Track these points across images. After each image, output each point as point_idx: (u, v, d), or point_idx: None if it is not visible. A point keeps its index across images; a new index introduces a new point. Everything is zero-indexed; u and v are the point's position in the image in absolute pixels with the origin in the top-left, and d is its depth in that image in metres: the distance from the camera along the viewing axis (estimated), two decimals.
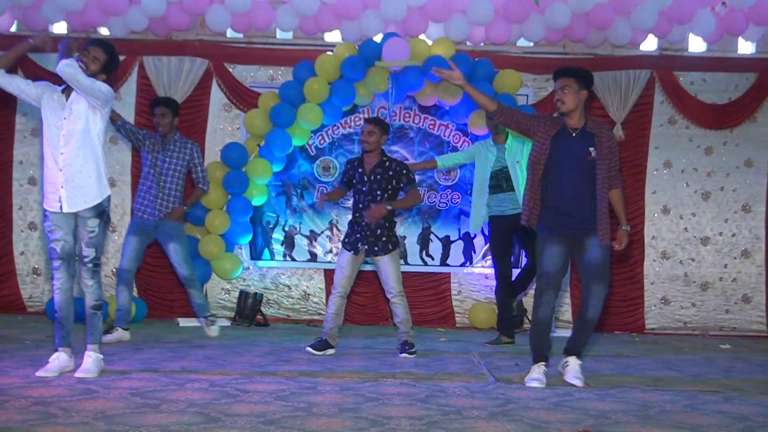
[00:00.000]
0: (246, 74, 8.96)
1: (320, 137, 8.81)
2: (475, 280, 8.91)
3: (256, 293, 8.55)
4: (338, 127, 8.81)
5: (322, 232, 8.85)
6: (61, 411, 3.86)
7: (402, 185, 6.44)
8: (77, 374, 4.90)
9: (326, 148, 8.84)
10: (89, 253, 5.05)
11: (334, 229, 8.84)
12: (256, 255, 8.88)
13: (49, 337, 6.88)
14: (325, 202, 7.42)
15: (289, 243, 8.86)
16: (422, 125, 8.86)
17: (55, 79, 8.76)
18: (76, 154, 5.04)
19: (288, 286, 8.94)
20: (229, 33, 9.01)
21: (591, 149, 5.14)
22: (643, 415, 4.20)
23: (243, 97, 8.83)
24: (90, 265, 5.06)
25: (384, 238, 6.36)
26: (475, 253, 8.86)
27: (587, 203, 5.13)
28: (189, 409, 4.01)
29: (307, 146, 8.79)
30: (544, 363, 5.24)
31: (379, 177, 6.36)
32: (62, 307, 5.11)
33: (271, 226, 8.87)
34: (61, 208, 5.03)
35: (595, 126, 5.26)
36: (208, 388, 4.62)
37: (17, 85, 5.14)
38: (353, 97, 8.36)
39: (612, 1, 8.46)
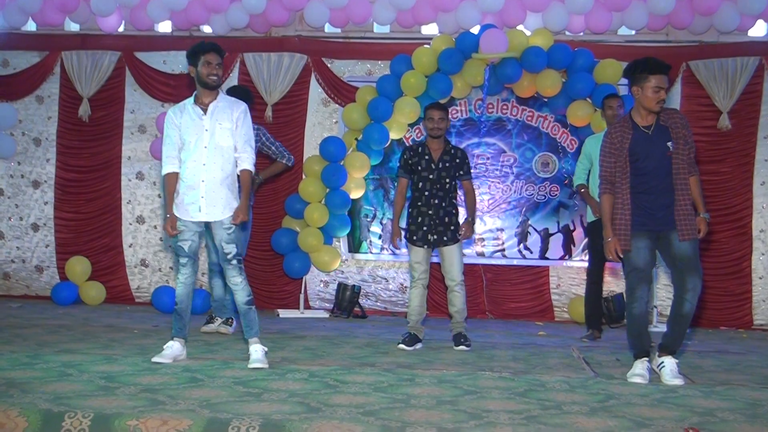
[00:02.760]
0: (344, 69, 9.05)
1: (417, 130, 8.82)
2: (574, 274, 8.77)
3: (354, 286, 8.64)
4: None
5: None
6: (168, 398, 3.98)
7: (461, 173, 6.29)
8: (251, 365, 4.98)
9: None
10: (230, 249, 5.15)
11: None
12: (354, 248, 8.96)
13: (156, 326, 7.13)
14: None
15: (386, 236, 8.91)
16: (520, 117, 8.77)
17: (164, 78, 9.04)
18: (218, 166, 5.13)
19: (385, 279, 9.00)
20: (327, 28, 9.11)
21: (669, 144, 4.96)
22: (751, 414, 4.05)
23: (341, 92, 8.92)
24: (234, 261, 5.16)
25: (452, 227, 6.24)
26: (574, 246, 8.72)
27: (670, 199, 4.98)
28: (290, 399, 4.07)
29: (404, 139, 8.81)
30: (646, 358, 5.11)
31: (447, 164, 6.23)
32: (183, 299, 5.26)
33: (369, 219, 8.94)
34: (200, 217, 5.15)
35: (667, 117, 5.04)
36: (308, 379, 4.68)
37: (179, 154, 5.21)
38: (450, 89, 8.33)
39: None
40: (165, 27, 9.32)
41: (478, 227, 8.77)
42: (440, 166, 6.22)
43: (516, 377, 4.98)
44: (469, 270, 8.85)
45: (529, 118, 8.74)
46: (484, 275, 8.84)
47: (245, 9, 8.64)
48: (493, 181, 8.78)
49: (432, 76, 8.29)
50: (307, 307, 8.73)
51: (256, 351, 5.12)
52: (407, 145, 7.33)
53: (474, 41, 8.18)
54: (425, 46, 8.44)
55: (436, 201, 6.22)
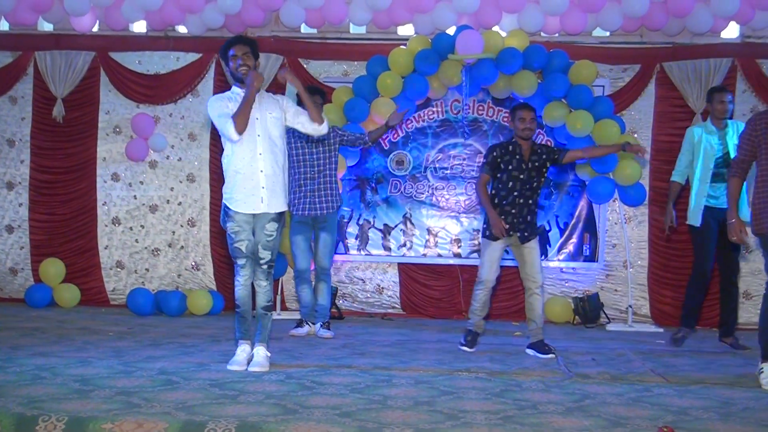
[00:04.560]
0: (320, 69, 9.04)
1: (394, 131, 8.82)
2: (550, 274, 8.79)
3: (331, 287, 8.62)
4: (411, 121, 8.80)
5: (396, 226, 8.87)
6: (143, 401, 3.96)
7: (557, 157, 6.26)
8: (250, 368, 5.01)
9: (400, 142, 8.86)
10: (265, 255, 5.16)
11: (408, 223, 8.85)
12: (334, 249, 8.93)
13: (131, 329, 7.08)
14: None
15: (363, 237, 8.91)
16: (496, 118, 8.80)
17: (139, 79, 8.98)
18: (273, 156, 5.13)
19: (362, 280, 9.00)
20: (303, 28, 9.09)
21: None
22: (724, 413, 4.10)
23: None
24: (265, 266, 5.18)
25: (532, 225, 6.26)
26: (550, 246, 8.76)
27: None
28: (266, 401, 4.07)
29: (380, 140, 8.81)
30: None
31: (537, 164, 6.23)
32: (244, 301, 5.23)
33: (345, 220, 8.92)
34: (262, 208, 5.12)
35: None
36: (285, 380, 4.68)
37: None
38: (426, 90, 8.34)
39: None
40: (140, 27, 9.26)
41: (455, 228, 8.80)
42: (530, 166, 6.22)
43: (492, 378, 5.01)
44: (446, 270, 8.90)
45: (505, 119, 8.77)
46: (461, 276, 8.85)
47: (221, 9, 8.60)
48: (469, 182, 8.79)
49: (408, 77, 8.29)
50: (284, 308, 8.71)
51: (258, 353, 5.13)
52: (494, 143, 7.19)
53: (450, 42, 8.19)
54: (401, 46, 8.43)
55: (522, 201, 6.22)
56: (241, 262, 5.19)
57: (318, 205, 6.91)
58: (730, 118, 6.94)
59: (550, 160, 6.28)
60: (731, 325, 6.99)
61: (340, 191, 7.36)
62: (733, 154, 6.61)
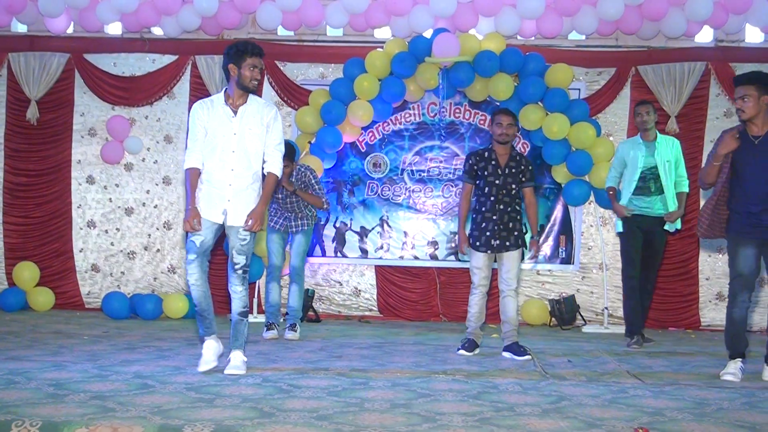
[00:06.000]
0: (297, 72, 9.02)
1: (370, 134, 8.83)
2: (526, 276, 8.83)
3: (307, 289, 8.61)
4: (388, 124, 8.81)
5: (373, 229, 8.87)
6: (118, 405, 3.93)
7: (524, 180, 6.24)
8: (227, 371, 4.93)
9: (376, 144, 8.86)
10: (239, 260, 5.09)
11: (385, 225, 8.85)
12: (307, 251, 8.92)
13: (106, 332, 7.03)
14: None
15: (340, 239, 8.90)
16: (473, 121, 8.83)
17: (114, 81, 8.92)
18: (246, 171, 5.04)
19: (339, 282, 8.99)
20: (280, 31, 9.08)
21: None
22: (699, 413, 4.13)
23: (294, 95, 8.89)
24: (240, 271, 5.10)
25: (516, 233, 6.23)
26: (526, 249, 8.77)
27: None
28: (243, 404, 4.05)
29: (357, 143, 8.82)
30: (740, 359, 5.31)
31: (513, 171, 6.19)
32: (201, 301, 5.13)
33: (322, 222, 8.91)
34: (224, 221, 5.04)
35: None
36: (262, 384, 4.66)
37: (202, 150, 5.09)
38: (403, 93, 8.36)
39: None
40: (115, 29, 9.19)
41: (432, 230, 8.81)
42: (507, 171, 6.19)
43: (469, 380, 5.01)
44: (423, 273, 8.90)
45: (482, 122, 8.80)
46: (438, 278, 8.87)
47: (197, 11, 8.57)
48: (446, 185, 8.82)
49: (385, 80, 8.31)
50: (261, 311, 8.67)
51: (236, 357, 5.06)
52: (471, 150, 7.19)
53: (427, 45, 8.21)
54: (378, 49, 8.45)
55: (501, 207, 6.18)
56: (191, 257, 5.04)
57: (291, 223, 7.10)
58: (663, 131, 7.12)
59: (524, 175, 6.23)
60: (636, 326, 7.01)
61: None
62: (661, 169, 6.83)
